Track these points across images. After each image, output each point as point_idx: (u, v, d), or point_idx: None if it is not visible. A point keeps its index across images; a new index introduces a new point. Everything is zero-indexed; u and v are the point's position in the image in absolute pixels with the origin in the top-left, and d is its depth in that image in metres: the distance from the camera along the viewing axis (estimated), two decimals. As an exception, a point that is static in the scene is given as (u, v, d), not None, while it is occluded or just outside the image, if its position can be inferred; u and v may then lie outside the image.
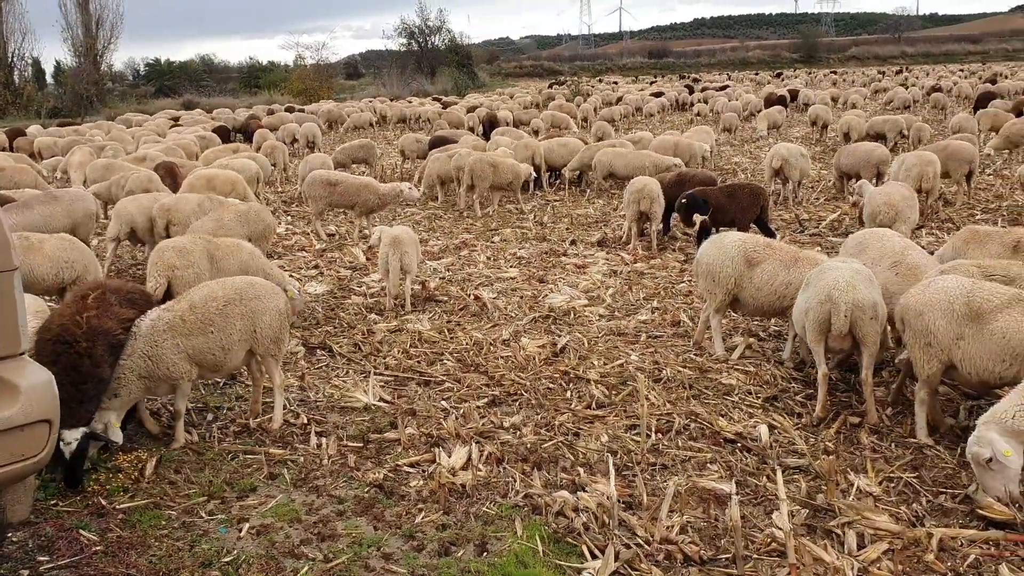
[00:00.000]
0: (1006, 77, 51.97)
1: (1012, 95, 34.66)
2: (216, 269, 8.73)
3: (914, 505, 5.69)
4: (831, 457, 6.27)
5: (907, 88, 42.31)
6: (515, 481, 6.08)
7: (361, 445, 6.76)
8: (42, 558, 5.20)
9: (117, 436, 6.30)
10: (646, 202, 12.72)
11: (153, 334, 6.43)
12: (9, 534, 5.26)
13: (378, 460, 6.51)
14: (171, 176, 15.98)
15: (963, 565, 4.99)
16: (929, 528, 5.34)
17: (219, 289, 6.85)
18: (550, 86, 70.92)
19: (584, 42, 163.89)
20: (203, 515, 5.74)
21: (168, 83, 73.80)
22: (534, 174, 17.62)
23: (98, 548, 5.30)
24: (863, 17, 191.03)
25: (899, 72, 72.84)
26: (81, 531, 5.46)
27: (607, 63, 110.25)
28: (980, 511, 5.42)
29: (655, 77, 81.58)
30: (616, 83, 71.86)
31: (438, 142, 21.59)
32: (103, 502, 5.84)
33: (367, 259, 13.01)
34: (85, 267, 9.40)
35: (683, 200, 12.38)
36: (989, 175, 18.65)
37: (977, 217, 14.58)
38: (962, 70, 69.45)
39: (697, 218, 12.00)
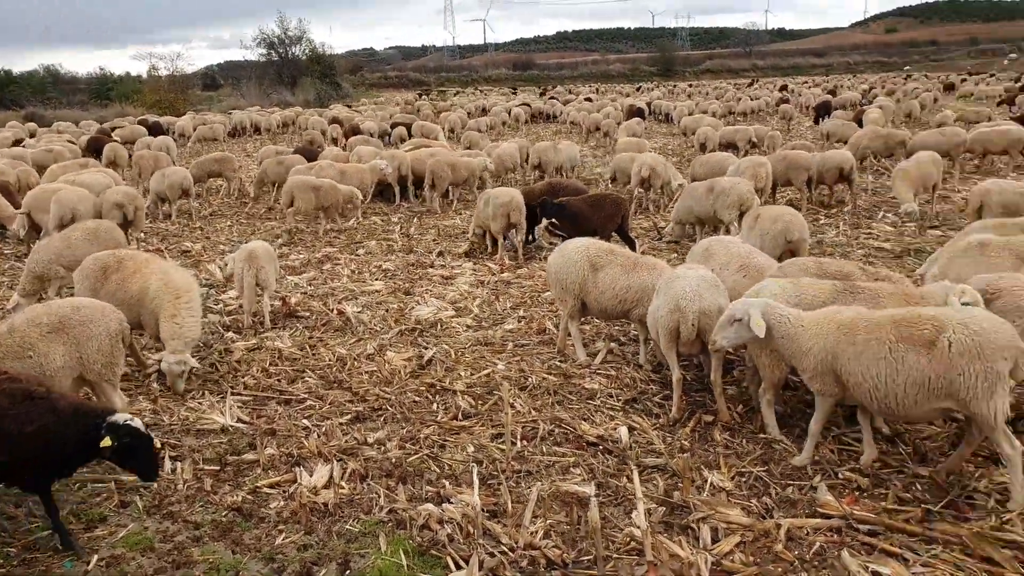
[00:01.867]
0: (847, 88, 55.39)
1: (851, 105, 37.00)
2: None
3: (764, 498, 5.96)
4: (685, 455, 6.51)
5: (753, 100, 44.41)
6: (379, 497, 6.02)
7: (218, 468, 6.55)
8: None
9: None
10: (516, 214, 12.91)
11: None
12: None
13: (236, 483, 6.32)
14: (5, 194, 15.12)
15: (809, 553, 5.26)
16: (778, 519, 5.61)
17: (43, 313, 6.52)
18: (419, 96, 71.05)
19: (449, 53, 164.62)
20: (47, 551, 5.41)
21: (9, 95, 69.28)
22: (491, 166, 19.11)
23: (-75, 595, 4.92)
24: (716, 32, 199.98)
25: (750, 84, 76.51)
26: (-95, 577, 5.06)
27: (473, 74, 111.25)
28: (820, 509, 5.73)
29: (545, 88, 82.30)
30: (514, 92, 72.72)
31: (301, 154, 21.18)
32: (-69, 544, 5.43)
33: (224, 276, 12.59)
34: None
35: (537, 206, 12.73)
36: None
37: (821, 221, 15.45)
38: (806, 82, 73.52)
39: (544, 223, 12.49)
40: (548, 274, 8.90)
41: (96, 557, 5.32)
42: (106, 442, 5.15)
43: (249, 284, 9.82)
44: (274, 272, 10.24)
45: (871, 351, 5.72)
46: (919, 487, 6.01)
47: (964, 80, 62.94)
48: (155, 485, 6.01)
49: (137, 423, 5.31)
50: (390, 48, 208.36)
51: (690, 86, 78.68)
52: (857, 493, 5.90)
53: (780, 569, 5.10)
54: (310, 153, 21.29)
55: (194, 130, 35.95)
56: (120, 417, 5.29)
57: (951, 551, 5.21)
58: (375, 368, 8.60)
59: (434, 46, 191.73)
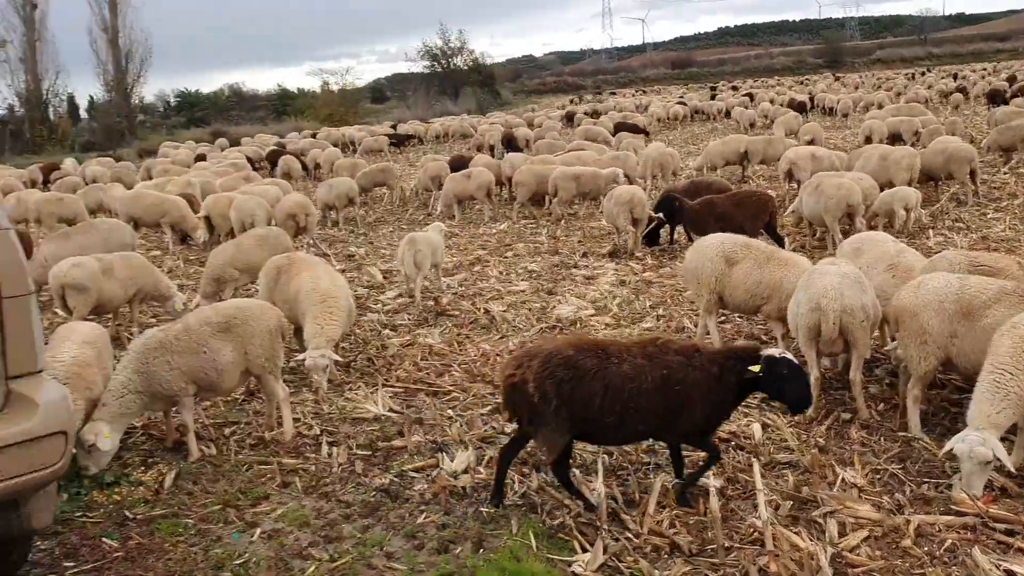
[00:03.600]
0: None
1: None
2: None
3: (897, 495, 5.86)
4: (815, 451, 6.47)
5: (928, 88, 42.05)
6: (513, 482, 6.34)
7: (369, 453, 7.07)
8: (68, 564, 5.57)
9: (104, 444, 6.47)
10: (639, 209, 13.56)
11: (145, 352, 6.87)
12: (35, 540, 5.63)
13: (385, 466, 6.81)
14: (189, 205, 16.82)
15: (940, 549, 5.16)
16: (908, 515, 5.51)
17: (213, 314, 7.25)
18: (571, 102, 71.48)
19: (607, 56, 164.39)
20: (218, 522, 6.07)
21: (198, 113, 75.24)
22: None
23: (119, 554, 5.65)
24: (888, 20, 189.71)
25: (923, 73, 72.19)
26: (104, 539, 5.82)
27: (630, 75, 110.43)
28: (954, 506, 5.59)
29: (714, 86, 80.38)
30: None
31: (457, 162, 22.02)
32: (126, 513, 6.20)
33: (384, 278, 13.40)
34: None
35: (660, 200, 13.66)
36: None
37: (989, 216, 14.60)
38: (984, 68, 68.65)
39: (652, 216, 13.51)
40: (684, 270, 8.99)
41: (259, 530, 5.92)
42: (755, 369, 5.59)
43: (408, 263, 11.06)
44: (430, 257, 11.26)
45: None
46: (1070, 490, 5.74)
47: None
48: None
49: (789, 356, 5.69)
50: (549, 54, 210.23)
51: (860, 77, 75.13)
52: (997, 492, 5.71)
53: (907, 564, 5.04)
54: (460, 162, 22.01)
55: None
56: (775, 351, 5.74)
57: (1099, 554, 4.98)
58: (516, 364, 8.96)
59: (592, 49, 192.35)
